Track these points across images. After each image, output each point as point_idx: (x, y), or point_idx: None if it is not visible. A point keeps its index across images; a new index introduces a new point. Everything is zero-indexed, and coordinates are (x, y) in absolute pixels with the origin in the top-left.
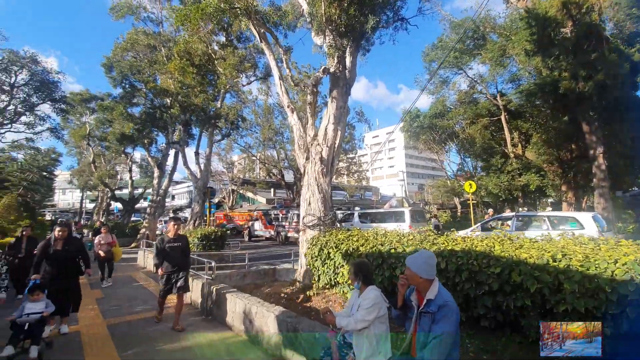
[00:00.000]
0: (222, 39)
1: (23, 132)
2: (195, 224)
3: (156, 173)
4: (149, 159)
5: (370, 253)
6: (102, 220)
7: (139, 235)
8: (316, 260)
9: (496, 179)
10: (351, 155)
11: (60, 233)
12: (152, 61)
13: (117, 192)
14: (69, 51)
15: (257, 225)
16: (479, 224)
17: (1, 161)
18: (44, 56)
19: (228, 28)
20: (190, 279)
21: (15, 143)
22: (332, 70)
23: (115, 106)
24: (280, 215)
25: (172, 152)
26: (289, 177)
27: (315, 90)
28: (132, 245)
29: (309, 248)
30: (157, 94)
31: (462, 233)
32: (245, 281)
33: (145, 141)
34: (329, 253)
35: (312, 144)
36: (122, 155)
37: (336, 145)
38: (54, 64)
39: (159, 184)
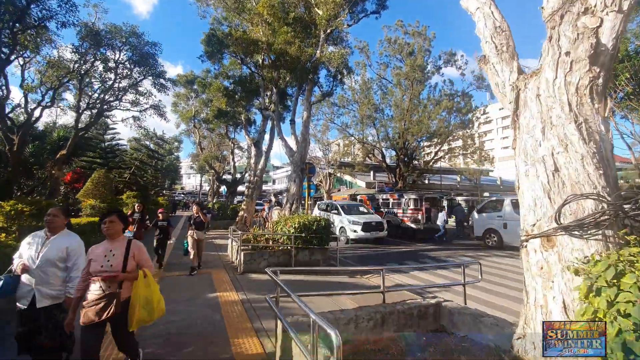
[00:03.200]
0: None
1: (128, 109)
2: (292, 209)
3: (253, 152)
4: (246, 137)
5: None
6: (214, 202)
7: (237, 218)
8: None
9: None
10: (470, 131)
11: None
12: (239, 9)
13: (227, 176)
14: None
15: None
16: None
17: (116, 142)
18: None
19: None
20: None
21: (124, 120)
22: None
23: (212, 82)
24: (391, 199)
25: (268, 128)
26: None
27: None
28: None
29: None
30: (246, 48)
31: None
32: (383, 333)
33: (242, 117)
34: None
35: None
36: (227, 140)
37: None
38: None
39: (256, 163)
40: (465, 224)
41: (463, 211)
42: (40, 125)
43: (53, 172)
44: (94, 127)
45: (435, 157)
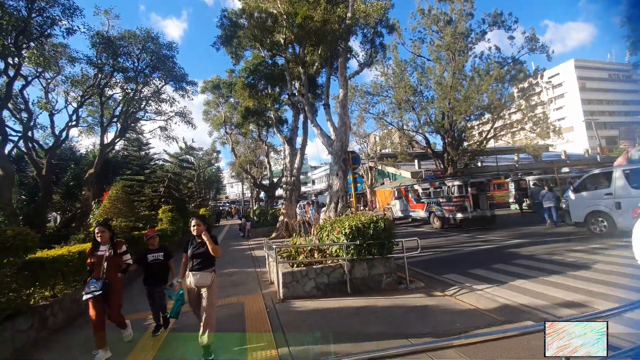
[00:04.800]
0: None
1: (153, 119)
2: (338, 209)
3: (287, 150)
4: (278, 136)
5: None
6: (254, 208)
7: (277, 224)
8: None
9: None
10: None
11: None
12: None
13: (266, 181)
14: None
15: (400, 205)
16: None
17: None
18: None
19: None
20: None
21: (152, 133)
22: None
23: (235, 80)
24: (432, 188)
25: (300, 123)
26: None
27: None
28: (273, 235)
29: None
30: (263, 26)
31: None
32: None
33: (272, 115)
34: None
35: None
36: (261, 143)
37: None
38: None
39: (291, 162)
40: (559, 206)
41: (554, 193)
42: (82, 149)
43: (83, 192)
44: (131, 144)
45: (489, 137)
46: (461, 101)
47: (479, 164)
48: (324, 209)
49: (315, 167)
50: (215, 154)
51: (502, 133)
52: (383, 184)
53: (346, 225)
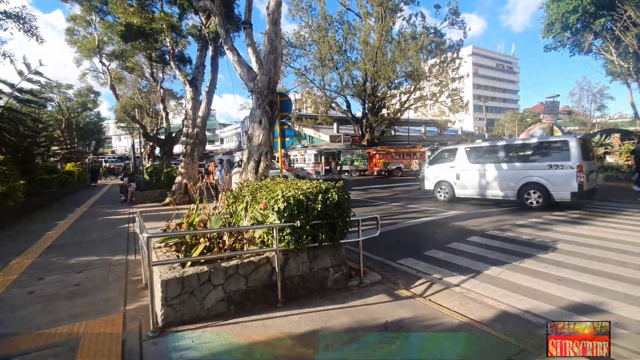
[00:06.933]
0: None
1: None
2: (260, 170)
3: (189, 94)
4: (178, 73)
5: None
6: (147, 166)
7: (174, 186)
8: None
9: None
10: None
11: None
12: None
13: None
14: None
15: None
16: None
17: None
18: None
19: None
20: None
21: None
22: None
23: None
24: (299, 155)
25: (208, 60)
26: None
27: None
28: (167, 200)
29: None
30: None
31: None
32: None
33: (168, 42)
34: None
35: None
36: (156, 85)
37: None
38: None
39: (194, 108)
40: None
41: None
42: None
43: None
44: None
45: (407, 106)
46: (387, 64)
47: (393, 133)
48: (237, 169)
49: (225, 125)
50: (92, 95)
51: (418, 104)
52: (302, 145)
53: (279, 197)
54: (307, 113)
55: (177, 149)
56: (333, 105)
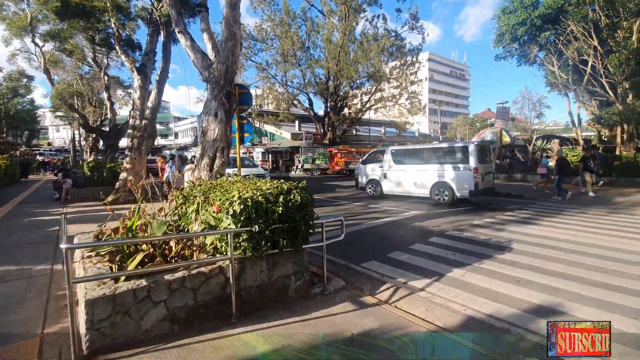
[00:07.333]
0: None
1: None
2: (215, 168)
3: (137, 82)
4: (123, 58)
5: None
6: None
7: (118, 183)
8: None
9: None
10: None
11: None
12: None
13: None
14: None
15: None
16: None
17: None
18: None
19: None
20: None
21: None
22: None
23: None
24: (248, 153)
25: (160, 47)
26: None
27: None
28: (109, 199)
29: None
30: None
31: None
32: None
33: (114, 26)
34: None
35: None
36: (98, 71)
37: None
38: None
39: (142, 97)
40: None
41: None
42: None
43: None
44: None
45: (368, 106)
46: (349, 64)
47: (354, 132)
48: (189, 165)
49: (180, 118)
50: (25, 80)
51: (379, 105)
52: (261, 142)
53: (235, 198)
54: (269, 109)
55: (124, 142)
56: (295, 102)
